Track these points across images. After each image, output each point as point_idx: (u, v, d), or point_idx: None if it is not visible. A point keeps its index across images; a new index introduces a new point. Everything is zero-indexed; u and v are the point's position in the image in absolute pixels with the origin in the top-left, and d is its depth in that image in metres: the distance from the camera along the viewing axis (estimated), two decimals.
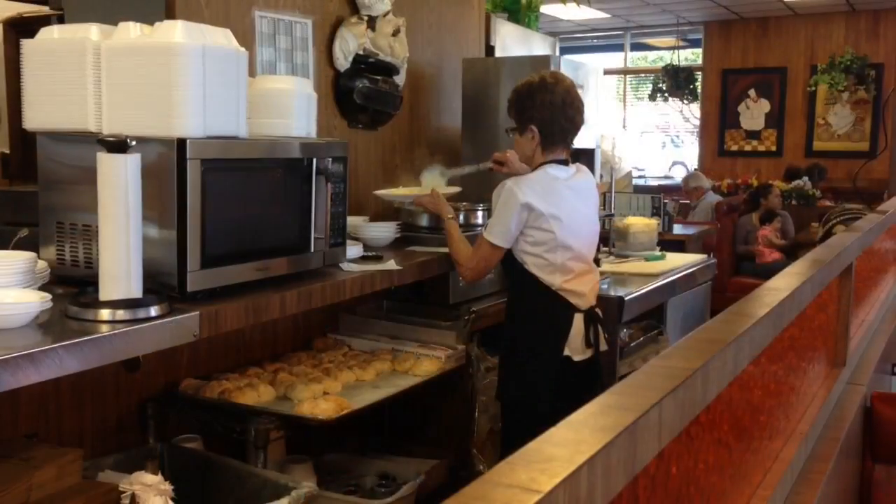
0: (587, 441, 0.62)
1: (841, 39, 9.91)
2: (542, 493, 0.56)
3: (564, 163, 2.75)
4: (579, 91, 3.79)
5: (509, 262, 2.72)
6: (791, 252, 6.87)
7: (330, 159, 2.37)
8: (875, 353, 2.19)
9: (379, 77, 3.38)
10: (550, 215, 2.62)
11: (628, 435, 0.65)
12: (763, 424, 1.20)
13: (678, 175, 10.76)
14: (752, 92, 10.37)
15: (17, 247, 2.11)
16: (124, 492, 1.87)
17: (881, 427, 1.89)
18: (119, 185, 1.81)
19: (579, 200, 2.75)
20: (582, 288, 2.71)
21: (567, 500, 0.57)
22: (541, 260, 2.66)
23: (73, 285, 1.97)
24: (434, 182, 3.16)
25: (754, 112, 10.38)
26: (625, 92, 12.00)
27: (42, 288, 1.88)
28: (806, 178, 8.17)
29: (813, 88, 9.90)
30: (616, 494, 0.64)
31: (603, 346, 2.76)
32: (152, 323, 1.81)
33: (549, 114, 2.67)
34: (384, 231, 3.02)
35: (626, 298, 3.37)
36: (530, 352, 2.67)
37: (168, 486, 1.90)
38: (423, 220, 3.25)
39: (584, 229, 2.76)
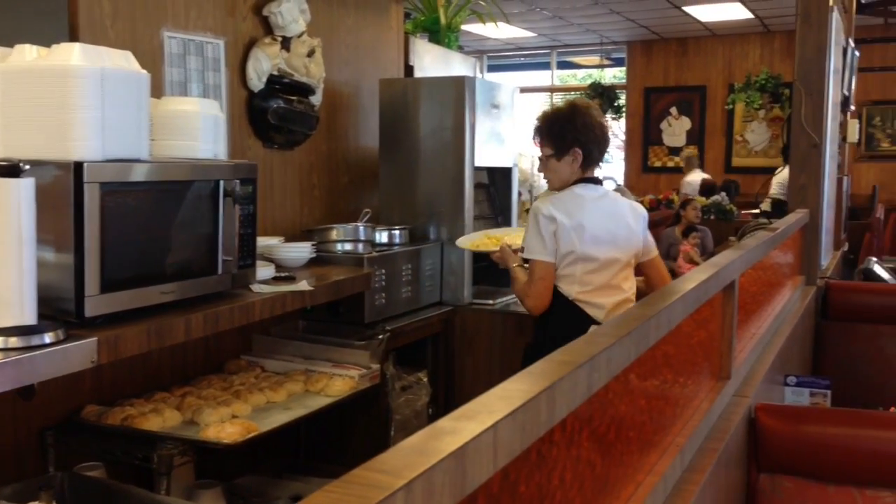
0: (412, 465, 0.65)
1: (757, 59, 10.29)
2: None
3: (595, 181, 2.83)
4: (496, 110, 3.89)
5: None
6: None
7: (238, 181, 2.36)
8: (764, 365, 2.28)
9: (294, 97, 3.39)
10: (572, 227, 2.67)
11: (454, 458, 0.67)
12: (632, 439, 1.24)
13: None
14: (673, 109, 10.68)
15: None
16: None
17: (764, 437, 1.97)
18: (11, 209, 1.78)
19: (606, 219, 2.76)
20: (602, 301, 2.70)
21: None
22: (560, 271, 2.70)
23: None
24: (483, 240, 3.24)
25: (676, 129, 10.69)
26: None
27: None
28: (723, 194, 8.43)
29: (731, 107, 10.24)
30: None
31: None
32: (46, 350, 1.78)
33: (591, 135, 2.77)
34: (298, 252, 3.02)
35: None
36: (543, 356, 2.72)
37: None
38: (339, 242, 3.26)
39: (609, 247, 2.74)
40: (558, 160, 2.79)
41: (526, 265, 2.81)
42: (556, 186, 2.84)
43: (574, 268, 2.69)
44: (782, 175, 8.21)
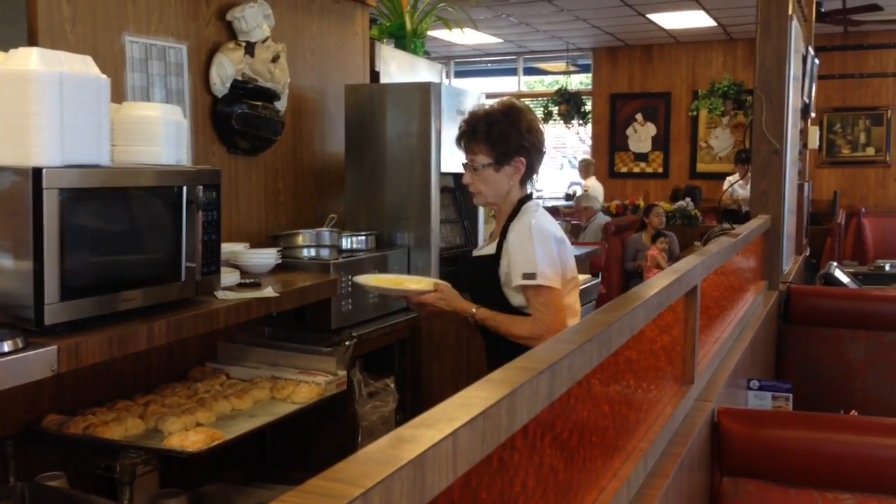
0: (369, 474, 0.64)
1: (720, 66, 10.43)
2: None
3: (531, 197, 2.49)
4: (461, 116, 3.90)
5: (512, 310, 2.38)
6: None
7: (201, 187, 2.34)
8: (727, 369, 2.31)
9: (259, 103, 3.36)
10: (567, 248, 2.41)
11: (413, 466, 0.67)
12: (596, 444, 1.25)
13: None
14: (638, 116, 10.79)
15: None
16: None
17: (726, 441, 2.00)
18: None
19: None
20: None
21: None
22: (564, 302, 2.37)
23: None
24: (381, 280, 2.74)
25: (641, 135, 10.79)
26: None
27: None
28: (688, 199, 8.53)
29: (694, 113, 10.37)
30: None
31: None
32: (5, 359, 1.75)
33: (536, 142, 2.39)
34: (264, 258, 3.00)
35: None
36: None
37: None
38: (305, 247, 3.24)
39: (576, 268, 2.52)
40: (497, 170, 2.37)
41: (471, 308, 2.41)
42: (491, 202, 2.45)
43: (571, 295, 2.42)
44: (734, 185, 8.32)
